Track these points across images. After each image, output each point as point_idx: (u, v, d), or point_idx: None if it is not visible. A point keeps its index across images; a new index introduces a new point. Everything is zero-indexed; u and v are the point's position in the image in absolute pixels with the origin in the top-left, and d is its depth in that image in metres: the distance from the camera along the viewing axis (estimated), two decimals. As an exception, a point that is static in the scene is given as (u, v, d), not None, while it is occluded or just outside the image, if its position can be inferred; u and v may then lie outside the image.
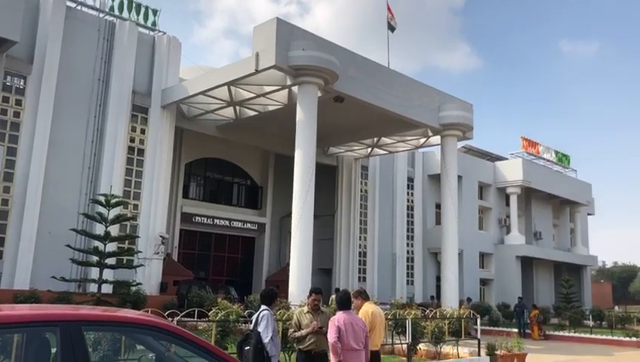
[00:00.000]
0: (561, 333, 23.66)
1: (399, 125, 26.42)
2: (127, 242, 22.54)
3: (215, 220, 29.75)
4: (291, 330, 7.01)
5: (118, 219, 16.05)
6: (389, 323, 12.75)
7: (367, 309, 6.66)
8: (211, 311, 9.77)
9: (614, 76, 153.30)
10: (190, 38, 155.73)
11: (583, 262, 42.98)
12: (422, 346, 13.52)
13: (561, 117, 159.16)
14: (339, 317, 6.03)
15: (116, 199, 15.97)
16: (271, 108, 24.49)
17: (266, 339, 6.13)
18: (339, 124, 26.47)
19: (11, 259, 19.86)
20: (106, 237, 15.47)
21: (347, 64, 21.87)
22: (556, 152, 42.17)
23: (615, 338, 21.61)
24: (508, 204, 38.44)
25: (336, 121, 25.85)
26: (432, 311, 15.26)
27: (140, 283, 18.81)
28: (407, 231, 34.54)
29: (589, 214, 47.63)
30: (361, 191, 32.60)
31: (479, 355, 13.68)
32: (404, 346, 12.44)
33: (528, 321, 23.83)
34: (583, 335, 22.96)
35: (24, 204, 20.21)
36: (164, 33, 25.45)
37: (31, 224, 20.18)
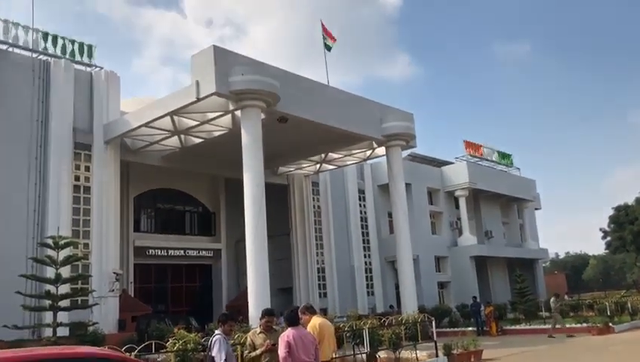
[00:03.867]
0: (517, 327, 24.45)
1: (344, 140, 26.94)
2: (80, 282, 22.24)
3: (169, 251, 29.48)
4: (246, 352, 7.20)
5: (68, 260, 15.81)
6: (347, 334, 13.02)
7: (315, 322, 6.93)
8: (168, 342, 9.82)
9: (548, 72, 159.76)
10: (129, 70, 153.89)
11: (534, 256, 44.45)
12: (382, 354, 13.84)
13: (502, 118, 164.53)
14: (288, 333, 6.28)
15: (65, 240, 15.77)
16: (216, 133, 24.57)
17: (219, 362, 6.31)
18: (286, 143, 26.78)
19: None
20: (58, 280, 15.24)
21: (287, 85, 22.22)
22: (499, 152, 43.67)
23: (568, 326, 22.44)
24: (457, 206, 39.51)
25: (283, 141, 26.14)
26: (388, 319, 15.63)
27: (97, 323, 18.45)
28: (363, 242, 35.03)
29: (536, 209, 49.42)
30: (314, 208, 32.92)
31: (437, 356, 14.10)
32: (364, 356, 12.70)
33: (485, 319, 24.52)
34: (538, 326, 23.78)
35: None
36: (102, 68, 25.30)
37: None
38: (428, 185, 38.60)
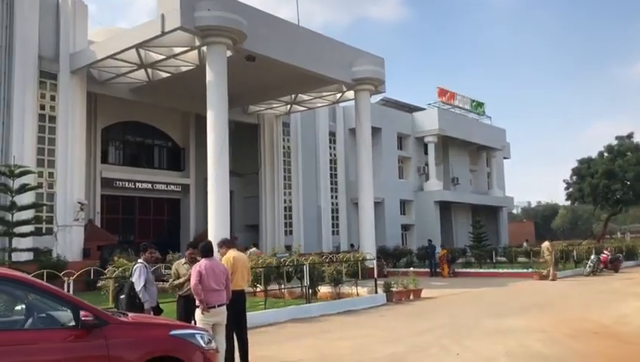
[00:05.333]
0: (469, 270, 25.60)
1: (313, 82, 27.04)
2: (44, 210, 22.70)
3: (137, 184, 29.78)
4: (171, 280, 7.79)
5: (23, 189, 16.08)
6: (289, 269, 13.75)
7: (229, 256, 7.49)
8: (108, 269, 10.38)
9: (535, 24, 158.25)
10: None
11: (498, 203, 45.63)
12: (324, 289, 14.62)
13: (486, 66, 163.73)
14: (201, 263, 6.83)
15: (20, 169, 15.99)
16: (183, 69, 24.52)
17: (138, 288, 6.86)
18: (255, 82, 26.81)
19: None
20: (12, 207, 15.56)
21: (256, 23, 22.09)
22: (472, 100, 44.04)
23: (516, 271, 23.61)
24: (426, 152, 40.15)
25: (252, 80, 26.17)
26: (332, 256, 16.40)
27: (50, 250, 18.91)
28: (331, 183, 35.65)
29: (504, 158, 50.34)
30: (284, 148, 33.30)
31: (376, 293, 14.95)
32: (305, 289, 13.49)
33: (439, 261, 25.59)
34: (488, 270, 24.94)
35: None
36: (69, -5, 24.78)
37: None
38: (398, 130, 39.03)
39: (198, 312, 6.76)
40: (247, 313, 11.85)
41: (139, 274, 6.95)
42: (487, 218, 44.68)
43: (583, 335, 9.47)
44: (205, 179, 31.80)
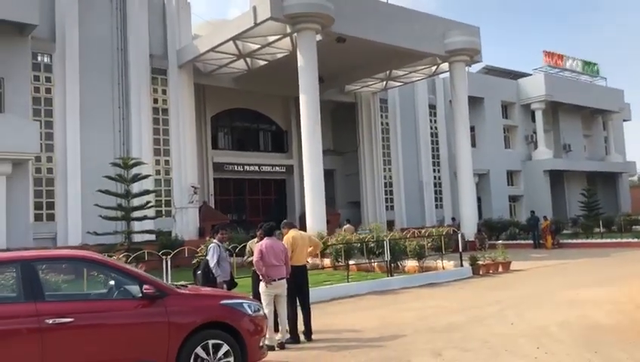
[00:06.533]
0: (575, 241, 24.79)
1: (406, 57, 27.22)
2: (163, 194, 25.26)
3: (245, 166, 31.77)
4: (245, 257, 8.86)
5: (136, 178, 18.11)
6: (371, 244, 14.48)
7: (289, 235, 8.36)
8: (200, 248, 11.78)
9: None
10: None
11: (617, 169, 42.89)
12: (412, 263, 15.19)
13: (594, 26, 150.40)
14: (263, 243, 7.79)
15: (133, 160, 18.02)
16: (279, 56, 25.75)
17: (211, 264, 7.97)
18: (348, 62, 27.48)
19: (63, 220, 22.58)
20: (127, 195, 17.63)
21: (343, 4, 22.67)
22: (583, 62, 41.52)
23: (623, 240, 22.58)
24: (534, 120, 38.67)
25: (345, 61, 26.88)
26: (415, 232, 16.85)
27: (160, 231, 21.22)
28: (433, 157, 35.60)
29: (624, 121, 47.01)
30: (382, 125, 33.77)
31: (462, 266, 15.27)
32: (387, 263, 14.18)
33: (542, 233, 24.99)
34: (595, 240, 24.02)
35: (66, 171, 22.66)
36: (174, -6, 26.84)
37: (74, 188, 22.65)
38: (502, 98, 37.90)
39: (262, 285, 7.75)
40: (332, 285, 12.89)
41: (212, 253, 8.05)
42: (604, 185, 42.35)
43: (657, 306, 9.34)
44: (307, 159, 33.43)
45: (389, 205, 33.53)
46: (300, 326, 8.21)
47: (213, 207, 29.79)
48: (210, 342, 5.54)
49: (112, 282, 5.66)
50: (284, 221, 8.88)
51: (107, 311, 5.36)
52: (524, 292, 11.96)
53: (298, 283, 8.20)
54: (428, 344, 7.36)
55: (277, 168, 33.24)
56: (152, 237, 21.27)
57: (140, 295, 5.38)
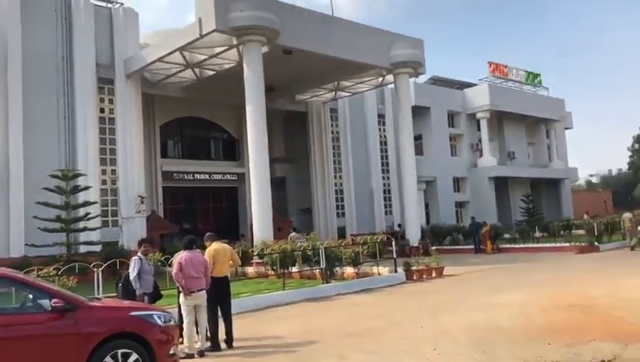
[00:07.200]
0: (513, 245, 25.84)
1: (353, 69, 27.91)
2: (109, 204, 25.26)
3: (196, 175, 31.85)
4: (172, 269, 9.22)
5: (75, 190, 18.16)
6: (308, 252, 14.97)
7: (212, 248, 8.78)
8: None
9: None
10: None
11: (560, 175, 44.67)
12: (348, 269, 15.74)
13: (538, 37, 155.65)
14: (182, 255, 8.19)
15: (73, 172, 18.06)
16: (226, 66, 26.04)
17: (130, 277, 8.30)
18: (296, 73, 28.01)
19: (4, 232, 22.22)
20: (67, 207, 17.66)
21: (289, 18, 23.17)
22: (526, 72, 43.19)
23: (557, 245, 23.71)
24: (479, 128, 40.01)
25: (293, 71, 27.39)
26: (352, 239, 17.45)
27: (100, 242, 21.26)
28: (382, 165, 36.40)
29: (566, 128, 49.01)
30: (333, 133, 34.38)
31: (396, 271, 15.91)
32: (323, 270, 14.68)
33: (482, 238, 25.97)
34: (532, 245, 25.11)
35: (8, 183, 22.27)
36: (122, 4, 26.88)
37: (17, 200, 22.22)
38: (449, 107, 39.12)
39: (181, 296, 8.13)
40: (268, 294, 13.30)
41: (133, 266, 8.38)
42: (547, 191, 44.03)
43: (558, 308, 10.08)
44: (259, 167, 33.78)
45: (340, 212, 34.14)
46: (223, 335, 8.60)
47: (162, 216, 29.81)
48: (120, 351, 5.91)
49: (24, 296, 5.96)
50: (208, 234, 9.25)
51: (17, 325, 5.66)
52: (447, 297, 12.63)
53: (220, 294, 8.61)
54: (338, 348, 7.86)
55: (228, 176, 33.44)
56: (97, 247, 21.32)
57: (50, 308, 5.70)
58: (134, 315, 6.20)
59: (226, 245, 9.06)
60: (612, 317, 8.99)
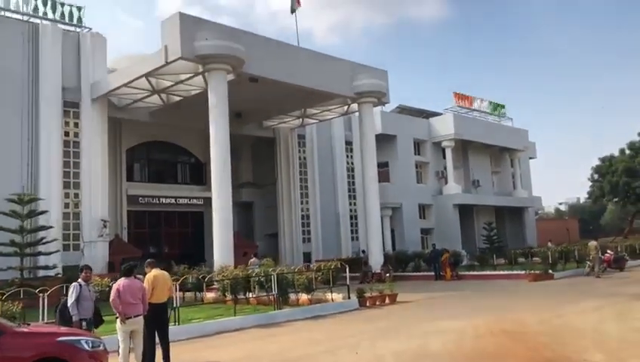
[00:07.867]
0: (472, 273, 26.36)
1: (318, 97, 28.51)
2: (71, 228, 25.19)
3: (161, 199, 31.91)
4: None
5: (31, 214, 18.17)
6: (261, 279, 15.20)
7: (151, 274, 9.02)
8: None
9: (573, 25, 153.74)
10: (138, 21, 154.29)
11: (523, 204, 45.68)
12: (302, 296, 15.98)
13: (508, 69, 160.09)
14: (120, 282, 8.41)
15: (29, 197, 18.09)
16: (192, 92, 26.38)
17: (68, 303, 8.46)
18: (263, 100, 28.45)
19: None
20: (22, 231, 17.65)
21: (255, 47, 23.71)
22: (490, 103, 44.42)
23: (513, 272, 24.28)
24: (445, 157, 40.85)
25: (260, 98, 27.82)
26: (307, 266, 17.74)
27: (54, 266, 20.98)
28: (349, 190, 36.87)
29: (530, 158, 50.27)
30: (300, 159, 34.81)
31: (349, 298, 16.21)
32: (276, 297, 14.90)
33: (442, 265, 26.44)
34: (490, 272, 25.66)
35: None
36: (90, 29, 27.15)
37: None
38: (415, 136, 39.95)
39: (118, 321, 8.32)
40: (218, 320, 13.46)
41: (71, 292, 8.55)
42: (511, 219, 44.93)
43: (492, 334, 10.48)
44: (225, 192, 33.95)
45: (306, 237, 34.39)
46: (160, 360, 8.78)
47: (126, 240, 29.71)
48: (46, 375, 6.09)
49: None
50: (148, 260, 9.48)
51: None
52: (392, 323, 12.96)
53: (158, 320, 8.82)
54: (269, 374, 8.11)
55: (195, 201, 33.53)
56: (53, 271, 21.24)
57: (-24, 334, 5.89)
58: (62, 341, 6.40)
59: (165, 272, 9.28)
60: (538, 343, 9.41)
